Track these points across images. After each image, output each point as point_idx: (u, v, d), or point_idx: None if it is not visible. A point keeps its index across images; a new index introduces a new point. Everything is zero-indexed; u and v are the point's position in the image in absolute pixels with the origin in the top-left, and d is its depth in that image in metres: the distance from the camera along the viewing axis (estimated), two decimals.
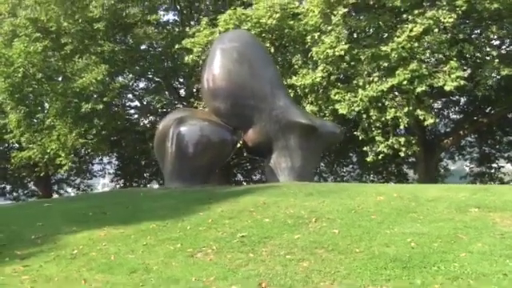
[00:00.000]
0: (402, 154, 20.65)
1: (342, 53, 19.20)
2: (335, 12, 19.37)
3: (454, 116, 31.00)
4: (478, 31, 21.14)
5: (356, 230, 8.31)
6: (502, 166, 33.23)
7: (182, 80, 30.67)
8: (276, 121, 14.29)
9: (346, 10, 19.23)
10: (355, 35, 21.13)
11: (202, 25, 23.10)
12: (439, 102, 27.10)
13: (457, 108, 30.03)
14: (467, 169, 36.07)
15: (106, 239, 8.89)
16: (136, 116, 32.64)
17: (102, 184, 55.65)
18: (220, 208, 10.36)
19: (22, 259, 8.13)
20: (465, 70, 18.96)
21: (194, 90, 30.47)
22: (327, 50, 19.33)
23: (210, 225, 9.24)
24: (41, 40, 24.97)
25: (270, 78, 14.73)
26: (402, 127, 19.64)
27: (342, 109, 19.67)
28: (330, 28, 19.64)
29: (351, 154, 33.14)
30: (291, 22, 21.19)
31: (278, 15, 20.50)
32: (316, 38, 20.10)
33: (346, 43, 19.34)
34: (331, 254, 7.38)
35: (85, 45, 25.57)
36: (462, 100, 28.68)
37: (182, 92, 31.47)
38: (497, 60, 19.44)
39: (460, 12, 18.70)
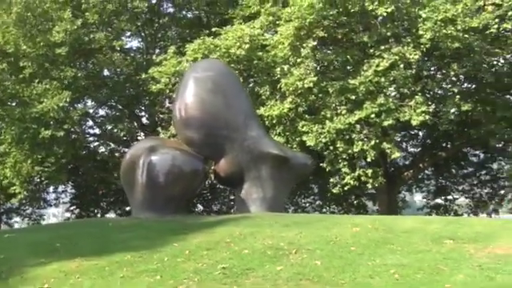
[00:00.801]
0: (369, 186, 20.86)
1: (311, 85, 19.38)
2: (304, 45, 19.60)
3: (412, 149, 31.72)
4: (438, 68, 21.73)
5: (338, 262, 8.31)
6: (457, 198, 34.04)
7: (144, 108, 30.35)
8: (248, 151, 14.21)
9: (315, 43, 19.50)
10: (323, 68, 21.36)
11: (170, 53, 23.05)
12: (398, 135, 27.63)
13: (415, 141, 30.78)
14: (423, 201, 36.85)
15: (78, 271, 8.59)
16: (96, 144, 32.19)
17: (53, 214, 54.00)
18: (196, 239, 10.20)
19: None
20: (429, 105, 19.37)
21: (157, 119, 30.29)
22: (296, 82, 19.49)
23: (188, 256, 9.07)
24: None
25: (244, 108, 14.69)
26: (368, 159, 19.83)
27: (310, 140, 19.79)
28: (299, 60, 19.84)
29: (313, 185, 33.38)
30: (260, 53, 21.32)
31: (247, 46, 20.59)
32: (285, 69, 20.27)
33: (314, 76, 19.54)
34: (317, 286, 7.35)
35: (45, 69, 25.05)
36: (421, 134, 29.40)
37: (145, 120, 31.22)
38: (458, 96, 20.01)
39: (424, 49, 19.21)
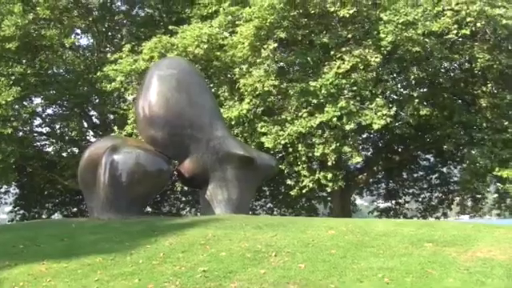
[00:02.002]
0: (328, 189, 20.82)
1: (272, 88, 19.21)
2: (265, 46, 19.42)
3: (364, 152, 32.00)
4: (397, 71, 21.95)
5: (322, 265, 8.11)
6: (408, 202, 34.60)
7: (96, 108, 29.49)
8: (213, 151, 13.87)
9: (275, 44, 19.33)
10: (284, 70, 21.22)
11: (125, 51, 22.46)
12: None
13: (368, 144, 31.04)
14: (368, 204, 37.35)
15: (48, 274, 8.13)
16: (44, 143, 31.08)
17: None
18: (167, 241, 9.82)
19: None
20: (390, 109, 19.50)
21: (108, 119, 29.60)
22: (256, 84, 19.28)
23: (164, 259, 8.71)
24: None
25: (209, 107, 14.35)
26: (329, 163, 19.76)
27: (268, 142, 19.60)
28: (258, 61, 19.64)
29: (265, 188, 33.23)
30: (218, 53, 21.03)
31: (205, 45, 20.25)
32: (244, 70, 20.04)
33: (275, 78, 19.36)
34: None
35: None
36: (372, 137, 29.66)
37: (95, 120, 30.38)
38: (416, 100, 20.24)
39: (385, 52, 19.34)
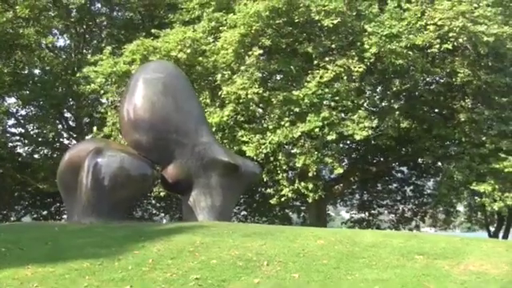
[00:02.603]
0: (309, 200, 20.75)
1: (255, 96, 19.10)
2: (250, 53, 19.32)
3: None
4: (379, 83, 22.05)
5: (316, 275, 8.05)
6: (381, 213, 34.81)
7: (72, 110, 29.00)
8: (198, 157, 13.68)
9: (261, 51, 19.24)
10: (267, 78, 21.15)
11: (105, 54, 22.13)
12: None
13: (345, 155, 31.12)
14: (347, 215, 37.52)
15: (34, 279, 7.88)
16: (17, 144, 30.43)
17: None
18: (155, 247, 9.62)
19: None
20: (372, 120, 19.55)
21: (84, 122, 29.19)
22: (239, 91, 19.16)
23: (153, 265, 8.54)
24: None
25: (195, 112, 14.18)
26: (310, 174, 19.68)
27: (250, 151, 19.46)
28: (242, 68, 19.54)
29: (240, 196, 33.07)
30: (200, 58, 20.85)
31: (188, 50, 20.06)
32: (226, 76, 19.92)
33: (258, 86, 19.27)
34: None
35: None
36: (350, 148, 29.76)
37: (71, 122, 29.87)
38: (397, 112, 20.35)
39: (368, 63, 19.42)
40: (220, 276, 7.96)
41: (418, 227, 33.48)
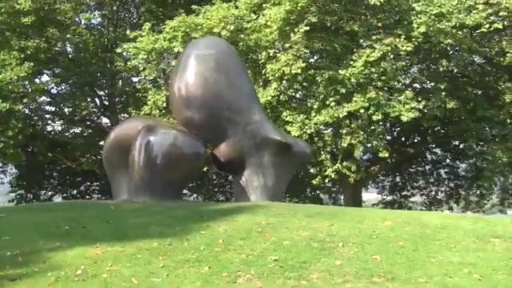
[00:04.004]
0: (351, 181, 20.43)
1: (299, 71, 18.71)
2: (296, 29, 18.90)
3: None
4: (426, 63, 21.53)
5: (398, 258, 7.75)
6: (414, 195, 34.42)
7: (107, 87, 28.79)
8: (251, 136, 13.37)
9: (307, 28, 18.79)
10: (311, 56, 20.74)
11: (145, 30, 21.81)
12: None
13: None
14: (371, 196, 37.26)
15: (107, 258, 7.67)
16: (50, 122, 30.39)
17: None
18: (220, 227, 9.36)
19: (11, 280, 6.82)
20: (419, 102, 19.09)
21: (117, 100, 29.03)
22: (283, 68, 18.78)
23: (225, 246, 8.28)
24: None
25: (247, 90, 13.86)
26: (356, 155, 19.34)
27: (294, 131, 19.11)
28: (287, 45, 19.15)
29: None
30: (241, 36, 20.46)
31: (232, 27, 19.68)
32: (271, 54, 19.54)
33: (303, 62, 18.86)
34: (396, 284, 6.73)
35: (5, 38, 23.30)
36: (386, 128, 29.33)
37: (105, 101, 29.74)
38: (443, 93, 19.87)
39: (416, 43, 18.92)
40: (298, 257, 7.68)
41: (451, 209, 33.03)
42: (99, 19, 29.05)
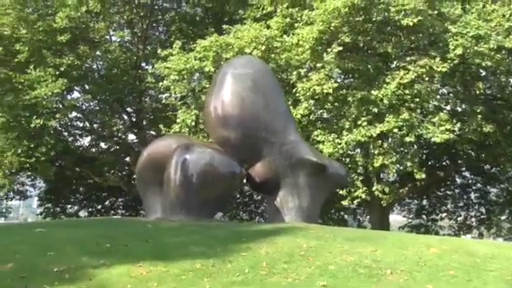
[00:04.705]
0: (383, 204, 20.14)
1: (330, 91, 18.56)
2: (329, 49, 18.80)
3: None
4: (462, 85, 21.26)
5: None
6: (442, 219, 33.78)
7: (135, 105, 28.88)
8: (286, 156, 13.20)
9: (340, 48, 18.68)
10: (344, 76, 20.61)
11: (175, 48, 21.82)
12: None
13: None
14: (404, 219, 36.63)
15: (152, 278, 7.56)
16: (78, 138, 30.51)
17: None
18: (261, 249, 9.19)
19: None
20: (455, 124, 18.81)
21: (148, 116, 29.12)
22: (314, 87, 18.64)
23: (269, 269, 8.13)
24: None
25: (283, 110, 13.74)
26: (390, 176, 19.08)
27: (327, 148, 18.89)
28: (319, 65, 19.02)
29: None
30: (272, 55, 20.38)
31: (263, 47, 19.62)
32: (302, 73, 19.43)
33: (335, 82, 18.73)
34: None
35: (41, 55, 23.53)
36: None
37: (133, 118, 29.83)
38: (479, 116, 19.57)
39: (452, 65, 18.70)
40: (346, 284, 7.50)
41: (481, 235, 32.42)
42: (128, 37, 29.26)
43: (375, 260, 8.71)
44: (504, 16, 18.82)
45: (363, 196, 19.80)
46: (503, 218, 30.66)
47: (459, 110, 21.34)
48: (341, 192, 20.70)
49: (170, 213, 12.54)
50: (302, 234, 10.52)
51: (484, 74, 19.75)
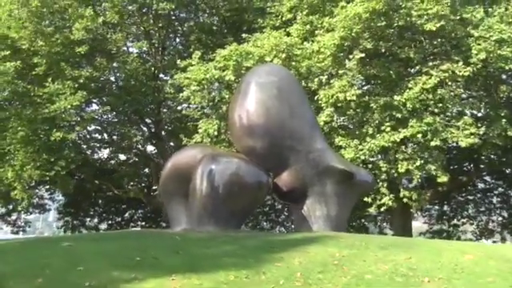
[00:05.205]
0: (412, 210, 19.94)
1: (354, 98, 18.45)
2: (351, 56, 18.70)
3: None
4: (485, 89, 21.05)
5: None
6: (464, 224, 33.44)
7: (153, 116, 28.91)
8: (313, 164, 13.10)
9: (362, 54, 18.57)
10: (366, 82, 20.49)
11: (195, 58, 21.81)
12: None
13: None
14: (424, 225, 36.33)
15: None
16: (97, 150, 30.59)
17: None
18: (294, 259, 9.07)
19: None
20: (479, 127, 18.62)
21: (167, 127, 29.15)
22: (338, 94, 18.53)
23: (304, 280, 7.98)
24: (9, 59, 22.85)
25: (308, 117, 13.66)
26: (414, 181, 18.90)
27: (348, 153, 18.75)
28: (341, 72, 18.93)
29: None
30: (293, 63, 20.31)
31: (284, 55, 19.56)
32: (323, 80, 19.33)
33: (357, 88, 18.63)
34: None
35: (59, 68, 23.63)
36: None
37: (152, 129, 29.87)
38: (504, 120, 19.36)
39: (475, 69, 18.52)
40: None
41: (504, 240, 32.02)
42: (145, 48, 29.36)
43: (411, 268, 8.56)
44: None
45: (390, 203, 19.57)
46: None
47: (483, 114, 21.10)
48: (366, 199, 20.50)
49: (196, 224, 12.45)
50: (332, 243, 10.38)
51: (507, 77, 19.48)
